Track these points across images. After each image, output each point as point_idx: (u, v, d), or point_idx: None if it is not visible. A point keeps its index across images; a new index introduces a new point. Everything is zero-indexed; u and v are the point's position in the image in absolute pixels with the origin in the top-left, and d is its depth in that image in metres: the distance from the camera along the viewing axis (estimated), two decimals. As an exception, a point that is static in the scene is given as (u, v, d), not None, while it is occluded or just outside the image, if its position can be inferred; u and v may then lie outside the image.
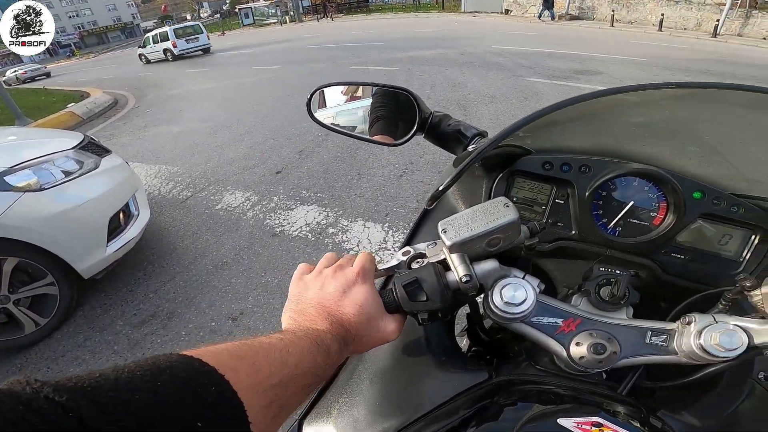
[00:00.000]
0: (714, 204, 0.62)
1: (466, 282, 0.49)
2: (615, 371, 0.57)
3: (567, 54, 9.53)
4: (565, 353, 0.50)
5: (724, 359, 0.45)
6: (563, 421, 0.41)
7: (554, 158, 0.68)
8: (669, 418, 0.52)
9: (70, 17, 75.62)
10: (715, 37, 13.24)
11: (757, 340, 0.45)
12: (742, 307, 0.51)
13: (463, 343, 0.89)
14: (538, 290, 0.51)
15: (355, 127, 0.87)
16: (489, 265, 0.51)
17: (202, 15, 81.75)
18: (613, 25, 16.77)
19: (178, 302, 2.44)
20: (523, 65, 8.37)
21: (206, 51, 19.69)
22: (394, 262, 0.54)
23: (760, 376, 0.57)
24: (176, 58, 18.78)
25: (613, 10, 17.33)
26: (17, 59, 63.44)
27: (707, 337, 0.45)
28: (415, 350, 0.62)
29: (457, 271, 0.50)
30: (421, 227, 0.72)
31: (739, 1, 13.59)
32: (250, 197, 3.62)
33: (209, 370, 0.28)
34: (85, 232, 2.29)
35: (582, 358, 0.49)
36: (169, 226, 3.32)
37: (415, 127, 0.74)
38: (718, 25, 13.51)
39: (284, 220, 3.21)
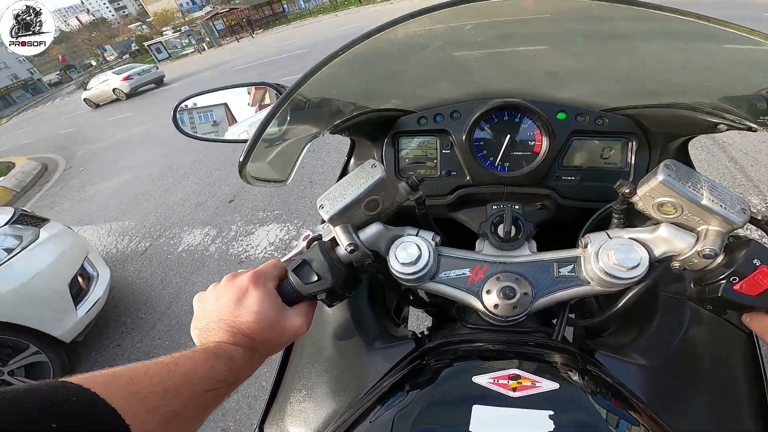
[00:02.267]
0: (578, 121, 0.63)
1: (353, 251, 0.48)
2: (545, 316, 0.57)
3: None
4: (480, 304, 0.48)
5: (631, 279, 0.43)
6: (478, 379, 0.39)
7: (427, 112, 0.69)
8: (610, 360, 0.50)
9: None
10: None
11: (657, 252, 0.44)
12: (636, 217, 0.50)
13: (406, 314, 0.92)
14: (434, 243, 0.50)
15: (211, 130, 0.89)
16: (373, 228, 0.49)
17: (108, 58, 77.31)
18: None
19: (165, 346, 2.52)
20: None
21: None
22: (295, 249, 0.53)
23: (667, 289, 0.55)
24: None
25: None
26: None
27: (604, 257, 0.44)
28: (347, 334, 0.62)
29: (342, 242, 0.48)
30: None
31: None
32: (209, 232, 3.68)
33: (74, 386, 0.30)
34: (49, 301, 2.37)
35: (496, 306, 0.47)
36: (135, 279, 3.33)
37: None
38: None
39: (247, 245, 3.30)
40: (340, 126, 0.62)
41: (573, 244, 0.51)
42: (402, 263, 0.47)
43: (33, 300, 2.28)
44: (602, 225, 0.52)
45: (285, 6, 48.27)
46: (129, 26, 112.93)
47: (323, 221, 0.51)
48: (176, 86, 16.40)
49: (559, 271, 0.48)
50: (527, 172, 0.64)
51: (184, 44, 40.61)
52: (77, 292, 2.49)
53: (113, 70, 18.03)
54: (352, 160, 0.81)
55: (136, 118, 11.65)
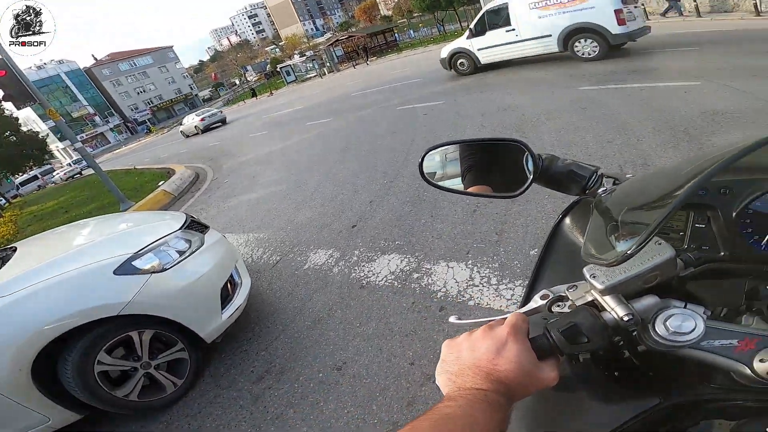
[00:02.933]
0: None
1: (629, 320, 0.50)
2: None
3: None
4: (748, 370, 0.49)
5: None
6: None
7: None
8: None
9: (138, 93, 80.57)
10: None
11: None
12: None
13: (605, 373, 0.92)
14: (704, 317, 0.52)
15: (455, 182, 0.86)
16: (649, 300, 0.52)
17: (248, 78, 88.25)
18: (759, 14, 11.99)
19: (286, 358, 2.67)
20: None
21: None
22: (533, 305, 0.56)
23: None
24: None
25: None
26: (105, 140, 72.38)
27: None
28: (570, 387, 0.63)
29: (616, 311, 0.51)
30: (543, 266, 0.76)
31: None
32: (333, 254, 3.89)
33: None
34: (203, 303, 2.59)
35: None
36: (266, 289, 3.64)
37: (531, 176, 0.74)
38: None
39: (369, 271, 3.42)
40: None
41: None
42: (673, 332, 0.49)
43: (193, 301, 2.54)
44: None
45: (396, 35, 50.91)
46: (266, 48, 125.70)
47: (572, 287, 0.55)
48: (300, 108, 18.13)
49: None
50: None
51: (309, 68, 45.22)
52: (225, 297, 2.74)
53: (195, 112, 26.39)
54: (569, 218, 0.80)
55: (271, 135, 13.13)
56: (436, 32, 43.33)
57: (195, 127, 24.52)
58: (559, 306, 0.55)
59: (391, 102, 11.48)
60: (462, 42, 11.53)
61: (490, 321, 0.56)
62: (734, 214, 0.63)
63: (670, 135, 4.37)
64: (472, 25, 11.25)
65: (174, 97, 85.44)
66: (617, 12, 8.45)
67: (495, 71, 11.14)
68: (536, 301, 0.56)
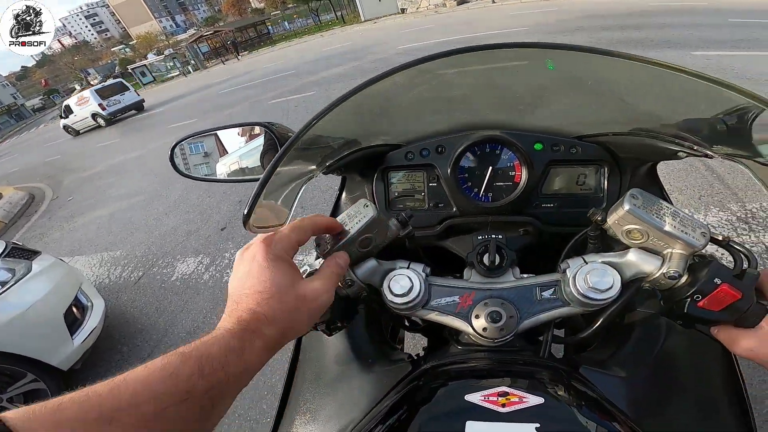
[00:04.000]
0: (554, 150, 0.67)
1: (350, 286, 0.52)
2: (532, 336, 0.61)
3: (460, 39, 10.39)
4: (470, 328, 0.52)
5: (606, 300, 0.47)
6: (470, 396, 0.42)
7: (413, 147, 0.72)
8: (593, 373, 0.54)
9: None
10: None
11: (628, 274, 0.48)
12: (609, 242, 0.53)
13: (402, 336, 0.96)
14: (424, 274, 0.54)
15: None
16: (368, 264, 0.53)
17: (91, 82, 76.64)
18: (494, 2, 18.01)
19: None
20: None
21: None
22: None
23: (638, 310, 0.59)
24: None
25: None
26: None
27: (580, 281, 0.48)
28: (347, 359, 0.66)
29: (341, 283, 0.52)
30: None
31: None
32: (202, 260, 3.68)
33: None
34: (45, 331, 2.40)
35: (485, 329, 0.50)
36: (129, 308, 3.33)
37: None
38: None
39: (242, 271, 3.32)
40: (334, 165, 0.65)
41: (554, 266, 0.55)
42: (395, 294, 0.51)
43: (29, 331, 2.34)
44: (581, 248, 0.57)
45: (269, 28, 48.94)
46: (112, 49, 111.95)
47: (317, 257, 0.52)
48: (159, 111, 16.36)
49: (541, 295, 0.52)
50: (509, 201, 0.67)
51: (169, 67, 40.75)
52: (72, 322, 2.56)
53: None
54: (344, 195, 0.83)
55: (124, 143, 11.61)
56: (311, 23, 42.79)
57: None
58: None
59: (262, 96, 11.09)
60: None
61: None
62: (449, 170, 0.68)
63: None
64: None
65: (-7, 109, 70.13)
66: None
67: (378, 60, 11.46)
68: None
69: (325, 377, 0.66)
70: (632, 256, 0.48)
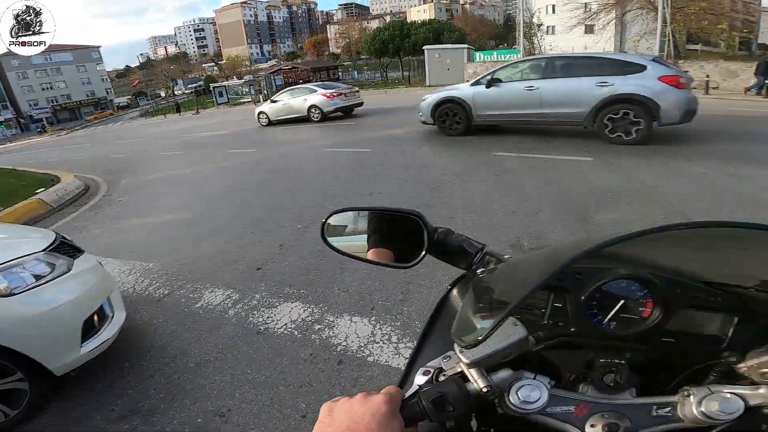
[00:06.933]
0: (693, 296, 0.70)
1: (487, 391, 0.57)
2: None
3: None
4: None
5: (727, 421, 0.51)
6: None
7: None
8: None
9: (43, 89, 73.89)
10: None
11: (752, 402, 0.52)
12: (732, 374, 0.59)
13: None
14: (549, 386, 0.59)
15: (360, 239, 0.91)
16: (504, 374, 0.59)
17: (176, 92, 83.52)
18: None
19: (159, 399, 2.41)
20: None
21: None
22: (415, 388, 0.60)
23: (763, 428, 0.60)
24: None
25: None
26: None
27: (707, 405, 0.52)
28: None
29: (478, 383, 0.57)
30: (426, 341, 0.79)
31: None
32: (231, 294, 3.59)
33: None
34: (58, 334, 2.32)
35: None
36: (146, 324, 3.26)
37: (424, 250, 0.79)
38: None
39: (268, 317, 3.19)
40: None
41: (650, 381, 0.63)
42: (523, 401, 0.56)
43: (42, 330, 2.26)
44: (689, 375, 0.62)
45: (340, 74, 52.73)
46: (203, 65, 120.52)
47: (446, 357, 0.62)
48: (220, 134, 17.26)
49: (657, 412, 0.56)
50: (632, 334, 0.69)
51: (244, 92, 44.02)
52: (88, 330, 2.46)
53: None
54: (455, 290, 0.84)
55: (187, 157, 12.24)
56: (378, 77, 45.73)
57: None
58: (442, 377, 0.61)
59: (319, 142, 11.48)
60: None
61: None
62: (583, 297, 0.71)
63: None
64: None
65: (84, 99, 78.77)
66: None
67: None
68: (418, 382, 0.61)
69: None
70: (764, 390, 0.51)
